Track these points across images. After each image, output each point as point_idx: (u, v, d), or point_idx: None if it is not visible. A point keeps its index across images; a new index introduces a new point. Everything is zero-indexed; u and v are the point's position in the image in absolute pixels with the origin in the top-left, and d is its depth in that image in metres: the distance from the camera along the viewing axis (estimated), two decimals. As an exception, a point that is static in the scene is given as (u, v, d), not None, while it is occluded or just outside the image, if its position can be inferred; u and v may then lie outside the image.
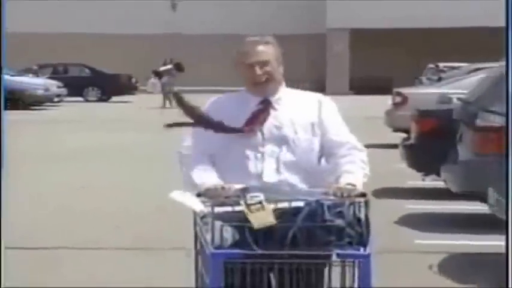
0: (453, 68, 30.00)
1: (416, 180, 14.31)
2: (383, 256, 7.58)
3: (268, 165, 4.95)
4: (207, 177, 4.90)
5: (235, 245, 4.53)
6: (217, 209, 4.53)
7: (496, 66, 14.32)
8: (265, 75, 5.07)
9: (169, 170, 7.48)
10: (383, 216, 11.37)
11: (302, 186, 5.01)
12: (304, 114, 5.13)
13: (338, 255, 4.54)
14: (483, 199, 10.44)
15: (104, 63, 52.36)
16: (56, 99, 44.63)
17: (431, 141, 13.22)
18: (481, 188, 10.53)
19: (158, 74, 46.54)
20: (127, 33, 62.14)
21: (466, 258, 10.10)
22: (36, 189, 15.56)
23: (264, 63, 5.06)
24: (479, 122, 11.55)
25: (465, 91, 14.91)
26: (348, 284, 4.56)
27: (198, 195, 4.70)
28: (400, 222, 12.09)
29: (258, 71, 5.05)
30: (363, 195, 4.64)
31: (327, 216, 4.53)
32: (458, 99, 14.08)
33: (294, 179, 4.95)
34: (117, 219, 12.11)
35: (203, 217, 4.62)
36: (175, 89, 42.85)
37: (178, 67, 46.38)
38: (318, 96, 5.26)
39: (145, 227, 11.23)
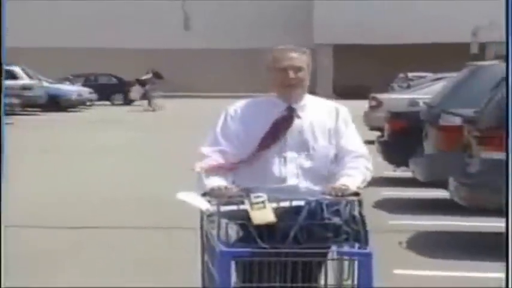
0: (420, 77, 30.03)
1: (389, 171, 14.37)
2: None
3: (290, 170, 4.54)
4: (214, 178, 4.47)
5: (239, 241, 4.18)
6: (223, 208, 4.18)
7: (454, 76, 14.37)
8: (296, 80, 4.60)
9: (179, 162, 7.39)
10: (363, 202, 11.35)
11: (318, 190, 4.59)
12: (323, 121, 4.68)
13: (340, 253, 4.23)
14: (444, 187, 10.48)
15: (127, 73, 52.35)
16: (87, 103, 44.69)
17: (401, 138, 13.29)
18: (442, 178, 10.57)
19: (141, 83, 46.30)
20: (147, 48, 62.05)
21: (430, 236, 10.17)
22: (69, 176, 15.69)
23: (297, 69, 4.60)
24: (441, 122, 11.65)
25: (429, 96, 14.98)
26: (348, 281, 4.22)
27: (204, 194, 4.34)
28: (377, 206, 12.10)
29: (291, 74, 4.58)
30: (356, 194, 4.30)
31: (325, 214, 4.19)
32: (424, 103, 14.14)
33: (311, 184, 4.54)
34: (140, 203, 12.12)
35: (209, 215, 4.25)
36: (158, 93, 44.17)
37: (157, 75, 46.21)
38: (336, 105, 4.80)
39: (165, 210, 11.22)
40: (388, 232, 10.05)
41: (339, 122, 4.69)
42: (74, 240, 9.98)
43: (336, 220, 4.18)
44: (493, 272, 7.53)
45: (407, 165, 12.91)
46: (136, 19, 63.54)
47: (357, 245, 4.20)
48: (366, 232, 4.23)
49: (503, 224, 9.86)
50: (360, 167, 4.60)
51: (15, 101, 34.32)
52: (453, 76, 14.67)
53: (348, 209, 4.24)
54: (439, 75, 22.53)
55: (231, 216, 4.20)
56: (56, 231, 10.46)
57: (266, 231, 4.15)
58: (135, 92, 47.64)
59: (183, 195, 4.34)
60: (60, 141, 24.28)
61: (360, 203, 4.28)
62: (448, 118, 11.42)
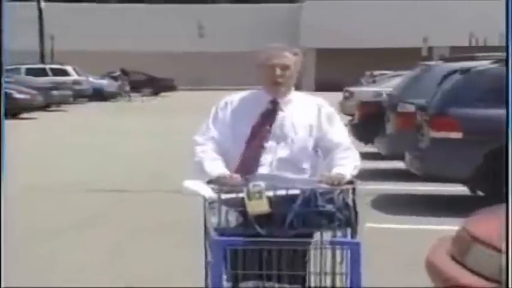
0: (383, 74, 29.94)
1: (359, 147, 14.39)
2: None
3: (267, 160, 3.94)
4: (216, 166, 3.91)
5: (239, 226, 3.64)
6: (224, 196, 3.63)
7: (409, 73, 14.36)
8: (282, 78, 3.99)
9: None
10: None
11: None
12: (305, 116, 4.05)
13: (331, 242, 3.64)
14: (401, 159, 10.53)
15: (153, 70, 52.36)
16: (124, 95, 44.69)
17: (368, 122, 13.27)
18: (400, 152, 10.61)
19: (114, 78, 46.13)
20: (169, 51, 61.97)
21: (391, 198, 10.14)
22: (108, 152, 15.64)
23: (285, 67, 4.00)
24: (399, 109, 11.68)
25: (390, 89, 14.98)
26: (338, 267, 3.68)
27: (209, 182, 3.75)
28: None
29: (278, 72, 3.98)
30: (351, 182, 3.75)
31: (320, 202, 3.64)
32: (386, 94, 14.14)
33: (286, 173, 3.92)
34: (161, 171, 12.05)
35: (211, 202, 3.65)
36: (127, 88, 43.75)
37: (124, 73, 45.91)
38: (320, 102, 4.16)
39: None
40: (357, 195, 10.10)
41: (322, 118, 4.06)
42: (108, 201, 9.88)
43: (330, 207, 3.64)
44: (441, 225, 7.56)
45: (373, 142, 12.97)
46: (161, 28, 63.47)
47: (349, 231, 3.69)
48: (356, 219, 3.69)
49: (448, 188, 9.93)
50: (350, 157, 3.99)
51: (67, 93, 34.29)
52: (408, 73, 14.67)
53: (342, 196, 3.70)
54: (398, 72, 22.49)
55: (230, 203, 3.64)
56: (95, 194, 10.46)
57: (264, 218, 3.60)
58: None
59: (189, 183, 3.75)
60: (103, 124, 24.31)
61: (354, 191, 3.72)
62: (404, 106, 11.45)
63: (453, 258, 4.43)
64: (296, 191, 3.65)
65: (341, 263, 3.64)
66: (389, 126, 11.92)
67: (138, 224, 8.35)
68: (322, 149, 4.04)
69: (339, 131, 4.08)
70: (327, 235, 3.70)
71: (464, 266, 4.25)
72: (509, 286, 3.58)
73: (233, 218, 3.62)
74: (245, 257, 3.61)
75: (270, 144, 3.96)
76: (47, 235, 7.87)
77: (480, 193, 9.13)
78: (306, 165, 4.00)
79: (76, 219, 8.63)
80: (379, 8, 57.63)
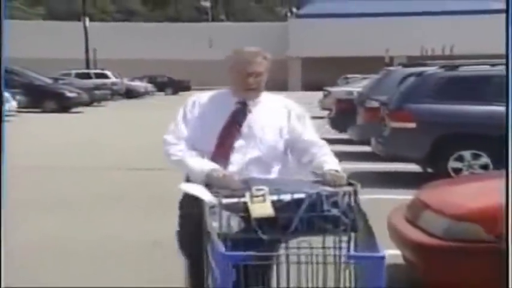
0: (354, 77, 29.90)
1: (334, 135, 14.36)
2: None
3: (236, 159, 3.16)
4: (202, 162, 3.11)
5: (241, 231, 2.76)
6: (225, 201, 2.77)
7: (375, 76, 14.32)
8: (256, 84, 3.22)
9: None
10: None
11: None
12: (274, 118, 3.26)
13: (351, 257, 2.64)
14: (368, 143, 10.52)
15: (174, 74, 52.20)
16: (150, 94, 44.55)
17: (343, 115, 13.29)
18: (367, 138, 10.61)
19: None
20: (184, 59, 61.67)
21: (359, 175, 10.12)
22: (134, 137, 15.31)
23: (258, 74, 3.22)
24: (367, 105, 11.66)
25: (360, 88, 14.97)
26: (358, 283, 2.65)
27: (206, 185, 2.94)
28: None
29: (252, 80, 3.20)
30: (351, 184, 2.91)
31: (325, 206, 2.78)
32: (357, 92, 14.12)
33: (257, 173, 3.15)
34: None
35: (212, 207, 2.80)
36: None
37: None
38: (288, 103, 3.35)
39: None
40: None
41: (293, 120, 3.28)
42: (142, 176, 9.75)
43: (335, 211, 2.80)
44: (398, 195, 7.55)
45: (346, 131, 12.96)
46: (180, 41, 63.20)
47: (356, 237, 2.74)
48: (366, 222, 2.71)
49: (404, 166, 9.93)
50: (330, 153, 3.22)
51: (107, 92, 34.20)
52: (374, 76, 14.65)
53: (346, 199, 2.87)
54: (366, 75, 22.46)
55: (232, 209, 2.79)
56: (131, 172, 10.43)
57: (267, 223, 2.76)
58: None
59: (186, 186, 3.00)
60: (134, 116, 24.23)
61: (356, 193, 2.89)
62: (371, 102, 11.43)
63: (408, 220, 4.45)
64: (301, 195, 2.79)
65: (358, 279, 2.59)
66: (359, 118, 11.92)
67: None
68: (298, 150, 3.25)
69: (312, 131, 3.32)
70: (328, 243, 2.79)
71: (416, 226, 4.27)
72: (510, 286, 3.11)
73: (235, 224, 2.81)
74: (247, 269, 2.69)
75: (239, 143, 3.19)
76: (107, 202, 7.83)
77: (429, 170, 9.15)
78: (275, 166, 3.23)
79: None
80: (351, 25, 57.51)
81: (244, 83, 3.20)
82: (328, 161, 3.13)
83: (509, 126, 3.01)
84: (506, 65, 2.95)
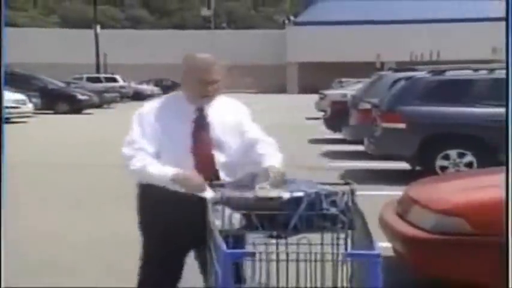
0: (348, 80, 29.85)
1: (329, 135, 14.35)
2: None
3: (203, 167, 2.89)
4: (164, 168, 2.87)
5: (243, 228, 2.64)
6: (228, 193, 2.61)
7: (367, 80, 14.31)
8: (213, 92, 2.97)
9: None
10: (312, 156, 11.25)
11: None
12: (229, 117, 3.03)
13: (347, 255, 2.50)
14: (361, 143, 10.51)
15: (178, 78, 51.89)
16: (156, 96, 44.61)
17: (337, 116, 13.27)
18: (360, 138, 10.62)
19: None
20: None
21: (353, 172, 10.04)
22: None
23: (215, 82, 2.96)
24: (359, 107, 11.65)
25: (353, 91, 14.98)
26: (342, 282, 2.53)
27: (210, 184, 2.77)
28: (321, 155, 12.04)
29: (210, 87, 2.94)
30: (347, 183, 2.77)
31: (323, 205, 2.65)
32: (350, 95, 14.13)
33: (227, 177, 2.92)
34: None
35: (214, 203, 2.62)
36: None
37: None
38: (236, 103, 3.14)
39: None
40: (328, 170, 10.10)
41: (242, 116, 3.08)
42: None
43: (333, 210, 2.67)
44: (389, 191, 7.55)
45: (340, 131, 12.95)
46: (184, 47, 62.85)
47: (351, 233, 2.63)
48: (364, 221, 2.55)
49: (395, 164, 9.93)
50: (274, 149, 2.94)
51: (116, 95, 34.20)
52: (366, 80, 14.65)
53: (344, 198, 2.72)
54: (359, 79, 22.45)
55: (234, 205, 2.62)
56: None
57: (268, 220, 2.62)
58: None
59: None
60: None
61: (353, 192, 2.74)
62: (363, 104, 11.42)
63: (398, 215, 4.45)
64: (300, 194, 2.68)
65: (352, 277, 2.50)
66: (352, 119, 11.91)
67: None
68: (245, 147, 3.00)
69: (256, 128, 3.07)
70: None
71: (406, 221, 4.27)
72: (510, 286, 2.96)
73: (237, 221, 2.67)
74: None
75: (203, 150, 2.93)
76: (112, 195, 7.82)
77: (418, 168, 9.15)
78: (237, 167, 2.98)
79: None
80: (345, 33, 57.44)
81: (203, 91, 2.95)
82: (268, 158, 2.88)
83: (509, 126, 2.92)
84: (507, 65, 2.89)
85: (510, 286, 2.98)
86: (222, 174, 2.93)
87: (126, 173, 2.93)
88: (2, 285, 3.09)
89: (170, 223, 2.87)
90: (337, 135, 13.57)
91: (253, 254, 2.35)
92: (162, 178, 2.85)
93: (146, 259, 3.01)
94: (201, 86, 2.94)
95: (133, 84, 41.32)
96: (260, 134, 3.03)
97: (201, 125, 2.96)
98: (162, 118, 2.95)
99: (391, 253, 4.36)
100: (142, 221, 3.02)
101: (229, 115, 3.04)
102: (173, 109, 2.99)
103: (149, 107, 3.03)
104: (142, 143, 2.94)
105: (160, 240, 2.92)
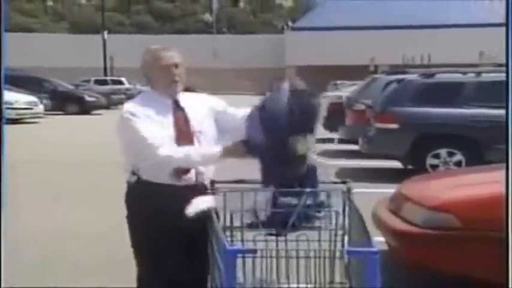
0: (343, 82, 29.89)
1: (327, 134, 14.33)
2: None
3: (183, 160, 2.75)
4: (203, 148, 2.78)
5: (245, 226, 2.60)
6: (231, 195, 2.53)
7: (361, 82, 14.30)
8: (178, 76, 2.85)
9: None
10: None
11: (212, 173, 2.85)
12: (202, 108, 2.90)
13: (347, 252, 2.51)
14: (356, 142, 10.50)
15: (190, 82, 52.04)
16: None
17: (333, 116, 13.26)
18: (355, 137, 10.61)
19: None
20: (190, 67, 61.55)
21: (348, 170, 10.06)
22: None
23: (177, 65, 2.85)
24: (354, 107, 11.66)
25: (348, 93, 14.96)
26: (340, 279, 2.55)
27: (205, 189, 2.71)
28: (318, 154, 12.07)
29: (174, 71, 2.83)
30: (344, 182, 2.71)
31: (320, 202, 2.58)
32: (346, 97, 14.11)
33: (207, 169, 2.81)
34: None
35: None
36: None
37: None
38: (206, 95, 3.09)
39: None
40: (324, 168, 10.09)
41: (213, 103, 2.98)
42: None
43: (331, 208, 2.61)
44: (382, 189, 7.55)
45: (337, 131, 12.93)
46: (188, 50, 62.77)
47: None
48: (360, 218, 2.45)
49: (388, 163, 9.94)
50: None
51: (122, 97, 34.17)
52: (361, 82, 14.63)
53: (341, 196, 2.66)
54: (354, 82, 22.46)
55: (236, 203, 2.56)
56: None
57: (267, 219, 2.57)
58: None
59: (193, 208, 2.62)
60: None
61: (349, 190, 2.67)
62: (358, 105, 11.43)
63: (391, 211, 4.46)
64: (299, 192, 2.61)
65: (348, 274, 2.43)
66: (348, 119, 11.90)
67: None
68: (225, 121, 2.91)
69: (229, 105, 2.99)
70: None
71: (399, 216, 4.28)
72: (510, 286, 2.87)
73: (238, 220, 2.61)
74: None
75: (194, 141, 2.81)
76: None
77: (410, 166, 9.16)
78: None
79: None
80: (340, 37, 57.47)
81: (169, 76, 2.82)
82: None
83: (509, 126, 2.85)
84: (507, 66, 2.82)
85: (510, 284, 2.86)
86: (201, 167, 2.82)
87: (173, 165, 2.71)
88: (2, 285, 2.97)
89: (162, 218, 2.72)
90: (334, 135, 13.54)
91: (254, 251, 2.30)
92: (211, 157, 2.74)
93: (140, 259, 2.87)
94: (165, 72, 2.82)
95: (138, 87, 41.26)
96: (235, 109, 2.94)
97: (179, 116, 2.83)
98: (146, 113, 2.80)
99: (384, 246, 4.37)
100: (134, 217, 2.92)
101: (202, 103, 2.94)
102: (152, 104, 2.83)
103: (132, 105, 2.87)
104: (158, 133, 2.73)
105: (151, 235, 2.78)
